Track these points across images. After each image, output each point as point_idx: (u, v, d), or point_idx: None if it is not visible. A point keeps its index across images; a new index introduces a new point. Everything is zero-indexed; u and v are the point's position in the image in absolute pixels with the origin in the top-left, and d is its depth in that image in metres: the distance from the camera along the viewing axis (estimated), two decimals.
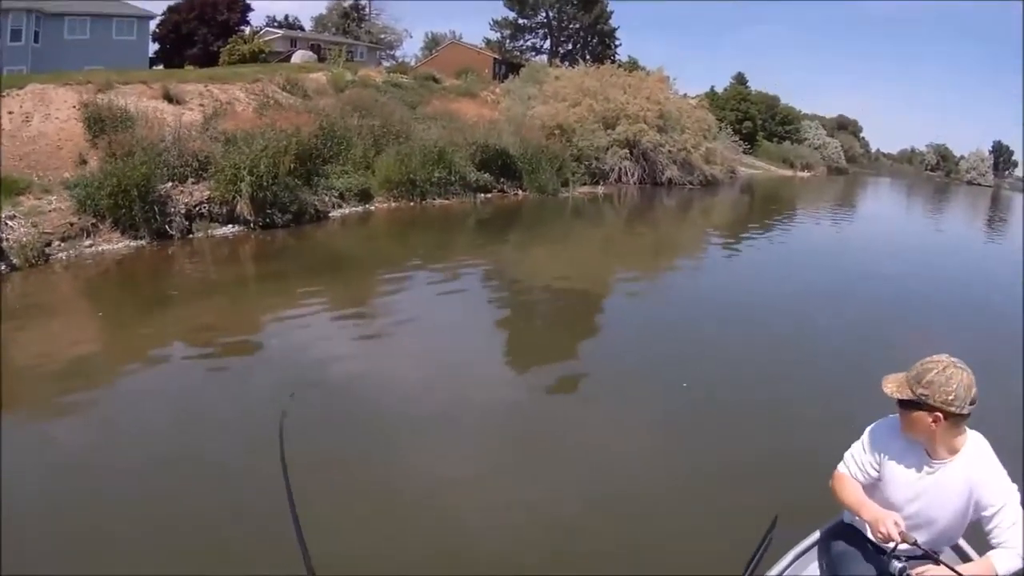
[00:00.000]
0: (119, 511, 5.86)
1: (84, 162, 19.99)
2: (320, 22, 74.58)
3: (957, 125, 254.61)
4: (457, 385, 9.25)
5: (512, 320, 13.30)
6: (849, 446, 3.61)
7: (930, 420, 3.12)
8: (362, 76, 38.76)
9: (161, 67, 46.38)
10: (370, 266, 17.85)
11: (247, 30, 56.26)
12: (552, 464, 7.02)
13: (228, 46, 48.86)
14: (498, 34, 70.08)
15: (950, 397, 3.07)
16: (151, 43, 50.33)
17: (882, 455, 3.39)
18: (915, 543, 3.14)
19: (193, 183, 20.20)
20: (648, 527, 5.95)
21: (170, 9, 55.19)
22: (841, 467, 3.56)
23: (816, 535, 3.94)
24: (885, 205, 53.35)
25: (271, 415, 6.23)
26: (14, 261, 15.51)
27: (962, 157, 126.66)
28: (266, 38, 54.93)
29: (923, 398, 3.11)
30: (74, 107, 22.75)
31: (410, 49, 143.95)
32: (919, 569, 3.14)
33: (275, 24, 67.30)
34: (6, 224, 16.22)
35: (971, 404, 3.11)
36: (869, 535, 3.48)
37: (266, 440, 5.42)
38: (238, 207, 20.18)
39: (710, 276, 18.40)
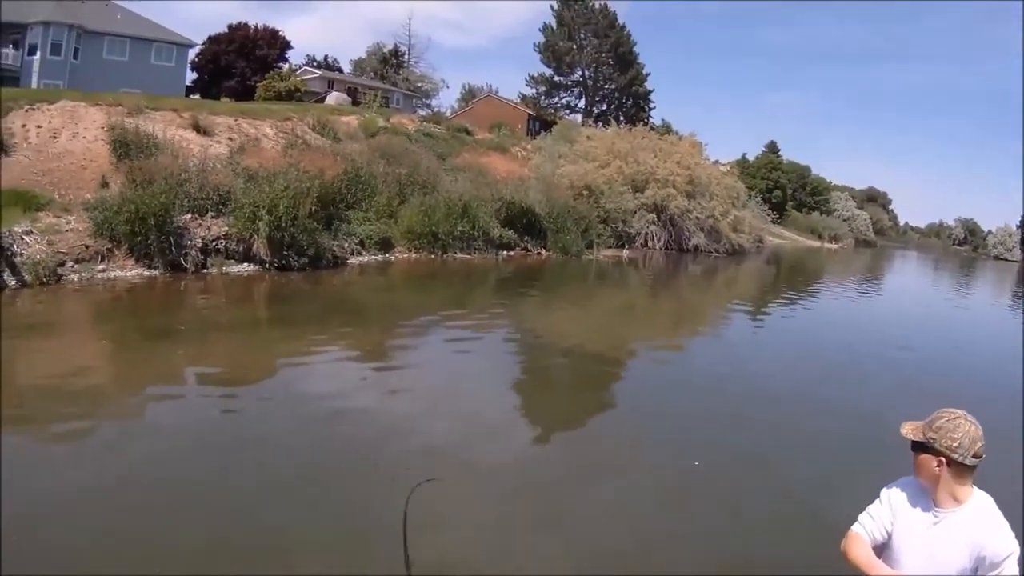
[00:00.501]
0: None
1: (106, 184, 19.70)
2: (359, 65, 75.22)
3: (985, 200, 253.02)
4: (465, 439, 8.91)
5: (526, 380, 12.77)
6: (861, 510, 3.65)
7: (935, 464, 3.26)
8: (394, 123, 38.61)
9: (197, 96, 46.44)
10: (386, 316, 17.23)
11: (285, 67, 56.68)
12: (552, 528, 6.76)
13: (265, 81, 49.06)
14: (533, 90, 70.26)
15: (954, 444, 3.20)
16: (189, 71, 50.96)
17: (895, 507, 3.48)
18: None
19: (213, 217, 19.88)
20: None
21: (210, 39, 55.98)
22: (856, 527, 3.59)
23: None
24: (911, 279, 52.11)
25: (258, 457, 6.91)
26: (26, 278, 15.29)
27: (989, 232, 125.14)
28: (303, 77, 55.22)
29: (931, 441, 3.26)
30: (102, 128, 22.61)
31: (446, 100, 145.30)
32: None
33: (314, 64, 67.84)
34: (22, 239, 16.03)
35: (974, 457, 3.21)
36: None
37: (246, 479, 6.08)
38: (255, 246, 19.73)
39: (731, 348, 17.37)
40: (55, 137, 21.65)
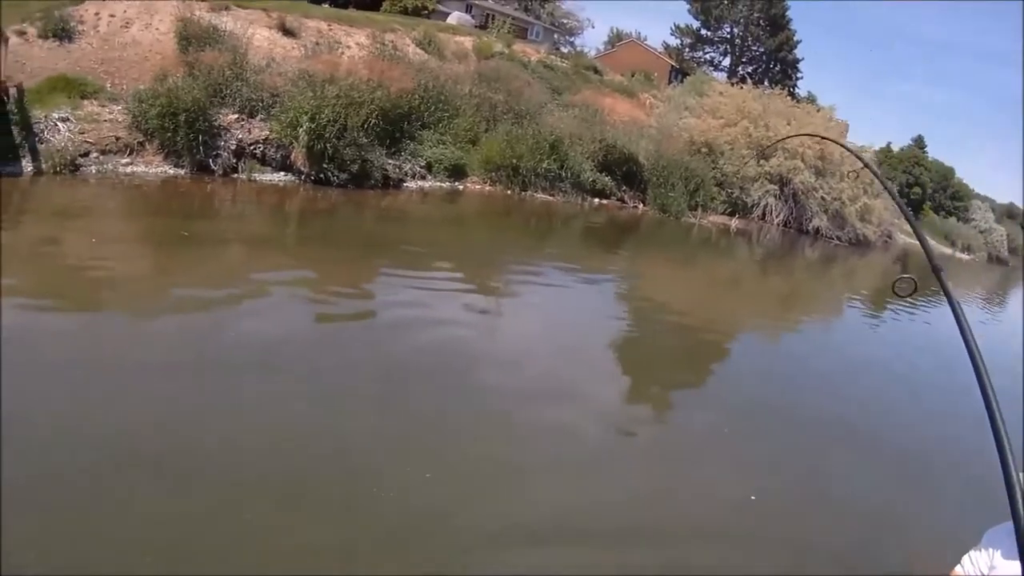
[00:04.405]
0: None
1: (164, 77, 17.13)
2: None
3: None
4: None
5: (606, 348, 10.59)
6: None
7: None
8: (515, 50, 34.54)
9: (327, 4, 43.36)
10: (432, 254, 13.82)
11: None
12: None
13: None
14: (678, 41, 64.63)
15: None
16: None
17: (995, 554, 3.21)
18: None
19: (262, 120, 17.36)
20: None
21: None
22: (958, 568, 3.34)
23: None
24: None
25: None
26: (43, 165, 13.88)
27: None
28: None
29: None
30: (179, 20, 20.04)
31: (593, 40, 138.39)
32: None
33: None
34: (55, 125, 14.80)
35: None
36: None
37: None
38: (293, 154, 16.96)
39: (842, 346, 14.69)
40: (126, 27, 19.19)
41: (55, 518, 4.46)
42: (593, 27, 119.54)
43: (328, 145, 16.86)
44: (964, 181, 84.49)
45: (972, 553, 3.38)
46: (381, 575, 4.59)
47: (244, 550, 4.52)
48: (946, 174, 78.24)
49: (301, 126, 16.59)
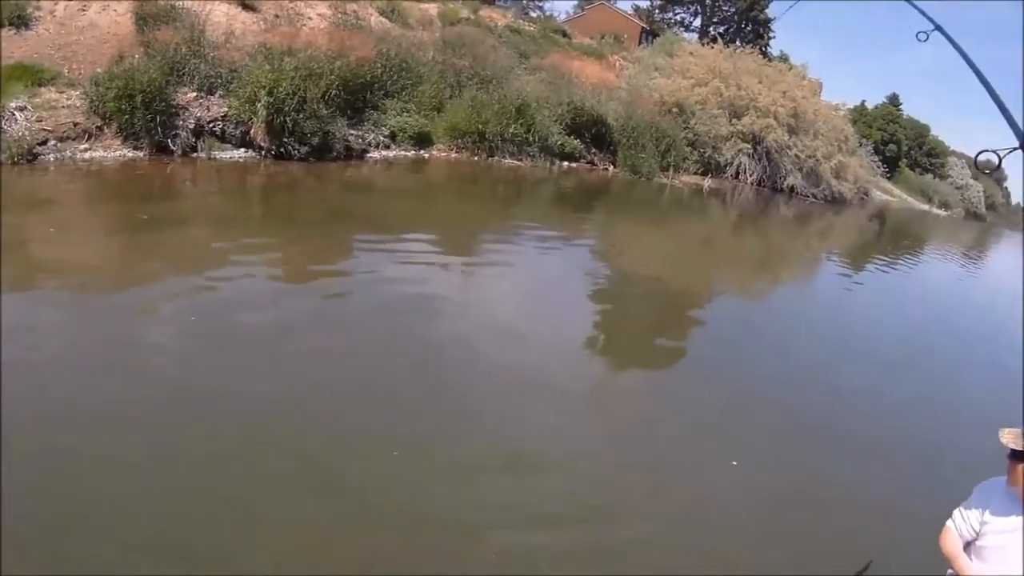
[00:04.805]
0: None
1: (121, 59, 16.56)
2: None
3: None
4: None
5: (582, 315, 10.42)
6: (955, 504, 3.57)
7: None
8: (482, 16, 33.91)
9: None
10: (388, 223, 13.51)
11: None
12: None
13: None
14: (649, 2, 64.33)
15: None
16: None
17: (985, 510, 3.38)
18: None
19: (221, 96, 16.84)
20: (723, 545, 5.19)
21: None
22: (949, 522, 3.54)
23: None
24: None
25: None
26: (0, 156, 13.33)
27: None
28: None
29: None
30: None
31: (561, 6, 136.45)
32: None
33: None
34: (13, 115, 14.30)
35: None
36: None
37: None
38: (252, 130, 16.50)
39: (818, 305, 14.66)
40: (83, 10, 18.59)
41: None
42: None
43: (287, 119, 16.38)
44: (940, 138, 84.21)
45: (962, 508, 3.49)
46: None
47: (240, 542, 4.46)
48: (921, 131, 77.97)
49: (259, 101, 16.10)
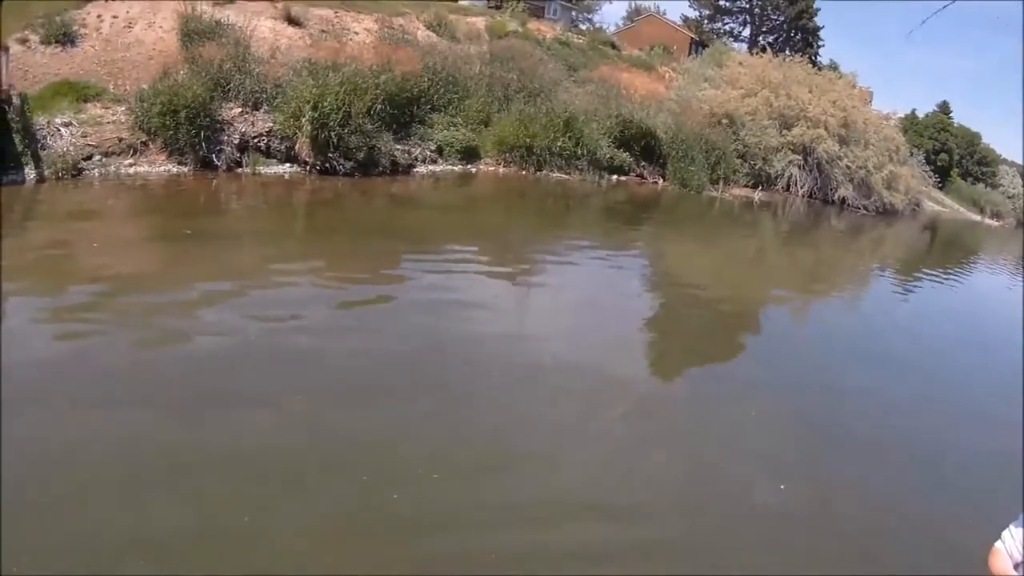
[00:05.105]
0: None
1: (166, 75, 16.77)
2: None
3: None
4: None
5: (636, 328, 10.40)
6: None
7: None
8: (530, 29, 33.68)
9: None
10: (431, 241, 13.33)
11: None
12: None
13: None
14: (697, 13, 63.63)
15: None
16: None
17: None
18: None
19: (266, 111, 16.94)
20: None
21: None
22: (998, 543, 3.33)
23: None
24: None
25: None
26: (45, 172, 13.66)
27: None
28: None
29: None
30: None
31: (611, 17, 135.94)
32: None
33: None
34: (58, 131, 14.56)
35: None
36: None
37: None
38: (297, 145, 16.53)
39: (869, 317, 14.33)
40: (129, 27, 18.81)
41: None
42: (611, 2, 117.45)
43: (332, 133, 16.35)
44: (991, 146, 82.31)
45: (1012, 528, 3.31)
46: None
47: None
48: (972, 139, 76.17)
49: (304, 116, 16.10)
